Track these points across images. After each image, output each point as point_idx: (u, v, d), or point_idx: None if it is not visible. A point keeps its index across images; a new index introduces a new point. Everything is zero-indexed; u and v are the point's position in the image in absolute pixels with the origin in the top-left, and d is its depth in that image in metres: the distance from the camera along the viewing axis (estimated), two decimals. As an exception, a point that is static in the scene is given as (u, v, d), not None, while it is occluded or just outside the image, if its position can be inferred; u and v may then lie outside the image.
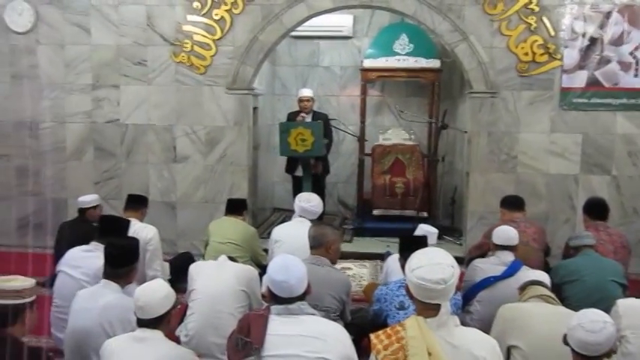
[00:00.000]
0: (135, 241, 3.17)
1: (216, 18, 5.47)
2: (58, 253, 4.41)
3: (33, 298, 2.40)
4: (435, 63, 6.51)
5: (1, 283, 2.36)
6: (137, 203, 4.41)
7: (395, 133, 7.00)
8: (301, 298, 2.24)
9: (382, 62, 6.55)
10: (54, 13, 5.71)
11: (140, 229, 3.97)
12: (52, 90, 5.81)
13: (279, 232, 4.14)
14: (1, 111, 5.89)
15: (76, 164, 5.86)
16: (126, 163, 5.80)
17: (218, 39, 5.51)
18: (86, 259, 3.35)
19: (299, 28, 5.82)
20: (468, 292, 3.47)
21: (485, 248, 4.13)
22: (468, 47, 5.32)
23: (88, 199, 4.68)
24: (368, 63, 6.64)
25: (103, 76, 5.73)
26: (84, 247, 3.51)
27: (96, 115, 5.78)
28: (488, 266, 3.49)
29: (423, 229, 3.80)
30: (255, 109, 6.11)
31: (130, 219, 3.98)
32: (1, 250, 5.76)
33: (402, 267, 2.80)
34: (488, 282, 3.38)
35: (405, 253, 2.95)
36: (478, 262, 3.62)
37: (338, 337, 2.21)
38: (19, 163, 5.92)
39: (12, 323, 2.31)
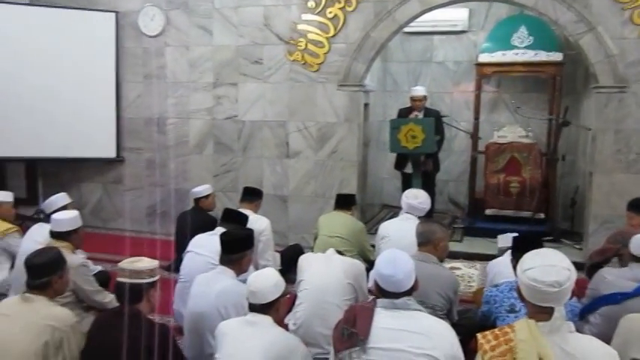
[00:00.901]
0: (248, 231, 3.33)
1: (330, 16, 5.57)
2: (178, 240, 4.77)
3: (157, 277, 2.61)
4: (556, 56, 6.14)
5: (129, 264, 2.59)
6: (252, 196, 4.64)
7: (511, 130, 6.70)
8: (408, 293, 2.23)
9: (499, 56, 6.30)
10: (181, 17, 6.13)
11: (254, 221, 4.17)
12: (178, 89, 6.24)
13: (387, 228, 4.15)
14: (135, 108, 6.43)
15: (197, 158, 6.26)
16: (242, 157, 6.09)
17: (331, 37, 5.61)
18: (211, 240, 3.57)
19: (412, 24, 5.76)
20: (591, 304, 3.19)
21: (608, 254, 3.84)
22: (595, 38, 4.96)
23: (200, 189, 4.99)
24: (484, 58, 6.41)
25: (223, 75, 6.06)
26: (209, 232, 3.77)
27: (216, 112, 6.13)
28: (617, 280, 3.11)
29: (501, 238, 3.63)
30: (366, 105, 6.15)
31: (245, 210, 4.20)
32: (132, 235, 6.32)
33: (514, 268, 2.69)
34: (615, 299, 3.03)
35: (517, 254, 2.83)
36: (607, 273, 3.24)
37: (444, 335, 2.17)
38: (149, 156, 6.44)
39: (140, 300, 2.53)
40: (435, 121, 5.58)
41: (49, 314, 2.50)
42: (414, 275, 2.25)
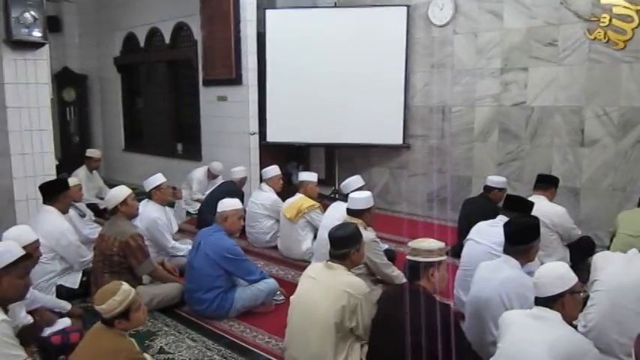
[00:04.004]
0: (534, 220, 3.17)
1: (643, -15, 4.88)
2: (461, 226, 4.81)
3: (441, 258, 2.68)
4: None
5: (415, 243, 2.72)
6: (547, 183, 4.51)
7: None
8: None
9: None
10: (470, 4, 6.10)
11: (549, 208, 4.16)
12: (464, 76, 6.25)
13: None
14: (422, 97, 6.67)
15: (481, 145, 6.19)
16: (530, 145, 5.80)
17: (643, 8, 4.92)
18: (492, 230, 3.56)
19: None
20: None
21: None
22: None
23: (497, 179, 4.95)
24: None
25: (511, 60, 5.84)
26: (490, 221, 3.72)
27: (503, 99, 5.96)
28: None
29: None
30: (686, 86, 5.23)
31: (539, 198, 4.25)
32: (412, 218, 6.62)
33: None
34: None
35: None
36: None
37: None
38: (432, 144, 6.62)
39: (421, 278, 2.64)
40: None
41: (347, 282, 2.81)
42: None
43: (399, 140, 6.83)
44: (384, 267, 3.64)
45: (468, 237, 3.81)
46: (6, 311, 2.54)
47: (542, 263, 2.84)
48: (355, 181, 4.65)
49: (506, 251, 3.05)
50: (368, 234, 3.53)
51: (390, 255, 4.26)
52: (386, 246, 4.65)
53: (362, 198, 3.76)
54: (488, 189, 4.90)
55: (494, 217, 3.79)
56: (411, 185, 6.87)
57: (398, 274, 3.64)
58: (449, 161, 6.45)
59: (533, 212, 3.69)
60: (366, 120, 6.84)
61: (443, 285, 2.71)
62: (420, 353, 2.42)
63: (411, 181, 6.88)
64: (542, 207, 4.23)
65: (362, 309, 2.77)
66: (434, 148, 6.60)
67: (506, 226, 3.13)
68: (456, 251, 4.38)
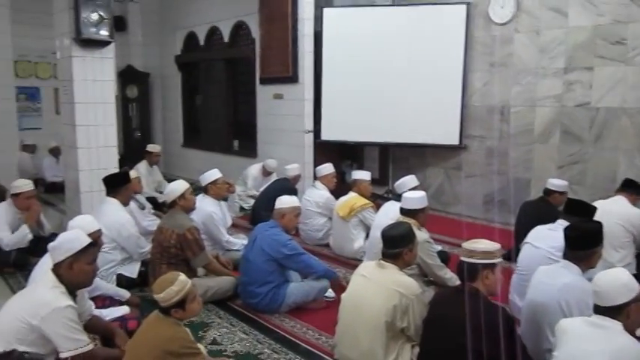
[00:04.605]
0: (597, 225, 3.04)
1: None
2: (518, 230, 4.68)
3: (497, 260, 2.61)
4: None
5: (470, 244, 2.66)
6: (635, 189, 4.38)
7: None
8: None
9: None
10: (533, 2, 5.92)
11: (628, 209, 4.09)
12: (525, 75, 6.07)
13: None
14: (480, 97, 6.53)
15: (541, 147, 6.00)
16: (593, 148, 5.57)
17: None
18: (551, 234, 3.44)
19: None
20: None
21: None
22: None
23: (559, 182, 4.79)
24: None
25: (576, 59, 5.63)
26: (550, 225, 3.59)
27: (566, 99, 5.75)
28: None
29: None
30: None
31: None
32: (468, 220, 6.48)
33: None
34: None
35: None
36: None
37: None
38: (490, 144, 6.45)
39: (475, 279, 2.58)
40: None
41: (399, 281, 2.78)
42: None
43: (455, 140, 6.70)
44: (437, 268, 3.59)
45: (525, 240, 3.69)
46: (74, 297, 2.66)
47: (610, 266, 2.73)
48: (409, 180, 4.59)
49: (566, 256, 2.94)
50: (421, 234, 3.49)
51: (444, 257, 4.20)
52: (439, 247, 4.59)
53: (416, 198, 3.72)
54: (548, 192, 4.74)
55: (553, 221, 3.65)
56: (467, 187, 6.73)
57: (451, 277, 3.57)
58: (507, 163, 6.28)
59: (613, 211, 3.55)
60: (422, 120, 6.75)
61: (498, 287, 2.64)
62: (475, 356, 2.37)
63: (466, 183, 6.74)
64: (623, 207, 4.12)
65: (413, 309, 2.74)
66: (492, 149, 6.44)
67: (567, 230, 3.00)
68: (514, 254, 4.26)
